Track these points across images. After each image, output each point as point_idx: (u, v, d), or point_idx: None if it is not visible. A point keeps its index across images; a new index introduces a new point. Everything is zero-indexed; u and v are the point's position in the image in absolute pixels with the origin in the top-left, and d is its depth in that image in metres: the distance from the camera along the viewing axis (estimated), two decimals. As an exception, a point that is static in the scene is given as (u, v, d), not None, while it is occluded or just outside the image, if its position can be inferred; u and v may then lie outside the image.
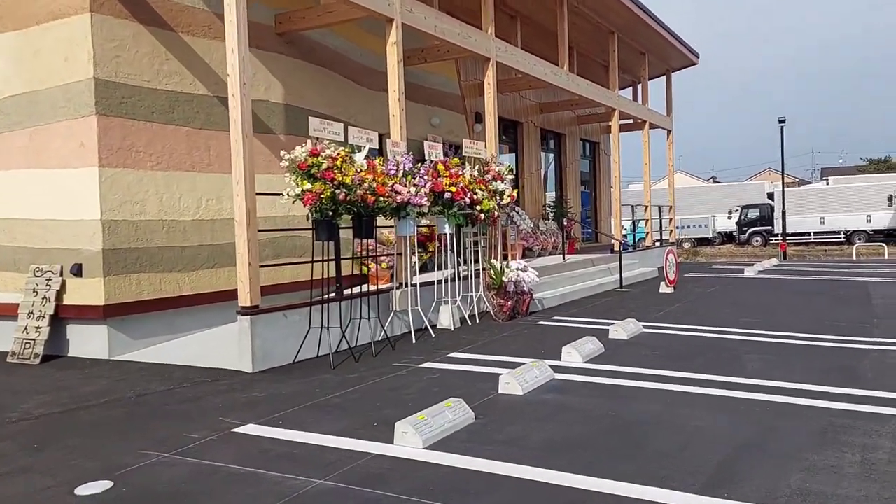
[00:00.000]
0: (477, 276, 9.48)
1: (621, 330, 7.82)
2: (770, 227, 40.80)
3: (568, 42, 15.89)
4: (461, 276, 9.42)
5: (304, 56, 9.61)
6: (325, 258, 6.78)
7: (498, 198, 9.48)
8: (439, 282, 8.75)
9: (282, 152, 6.57)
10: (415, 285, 8.14)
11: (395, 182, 7.61)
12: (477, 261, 9.74)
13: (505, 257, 13.96)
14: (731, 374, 5.96)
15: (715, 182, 68.96)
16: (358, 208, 6.92)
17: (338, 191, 6.49)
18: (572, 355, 6.60)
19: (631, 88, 20.65)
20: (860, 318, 8.87)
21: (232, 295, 7.13)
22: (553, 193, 18.56)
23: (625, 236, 19.70)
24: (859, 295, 11.31)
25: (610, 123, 19.76)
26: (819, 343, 7.33)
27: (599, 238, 20.12)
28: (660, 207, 19.29)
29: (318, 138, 6.68)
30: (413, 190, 7.67)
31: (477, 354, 7.00)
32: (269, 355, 6.49)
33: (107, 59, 7.19)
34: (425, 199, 7.76)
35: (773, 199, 40.95)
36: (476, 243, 9.68)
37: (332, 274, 7.22)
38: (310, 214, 6.54)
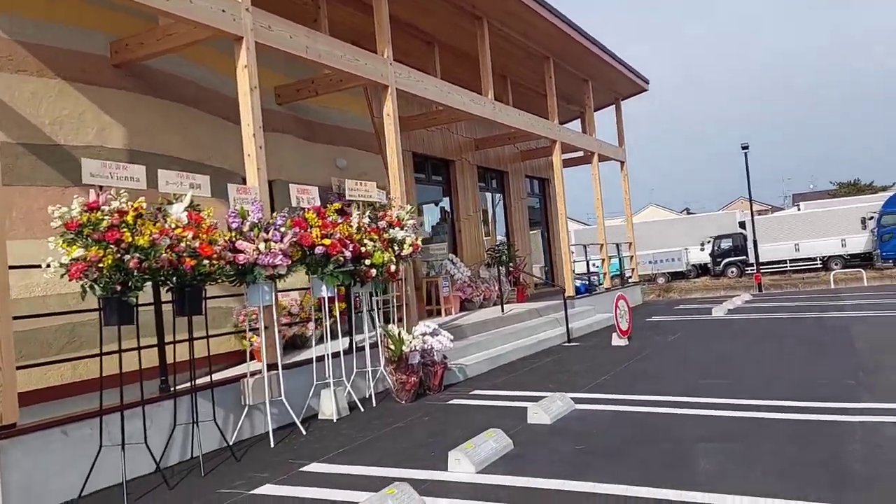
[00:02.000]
0: (375, 346, 7.72)
1: (543, 412, 6.07)
2: (744, 257, 39.53)
3: (501, 70, 14.55)
4: (356, 347, 7.68)
5: (154, 92, 7.96)
6: (122, 347, 4.98)
7: (397, 248, 7.78)
8: (319, 359, 6.97)
9: (49, 208, 4.84)
10: (275, 369, 6.34)
11: (237, 238, 5.90)
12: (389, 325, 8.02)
13: (438, 312, 12.27)
14: (674, 485, 4.23)
15: (689, 214, 68.01)
16: (171, 276, 5.18)
17: (128, 256, 4.75)
18: (461, 463, 4.82)
19: (579, 120, 19.30)
20: (843, 373, 7.21)
21: (30, 398, 5.34)
22: (504, 237, 16.97)
23: (583, 275, 18.09)
24: (840, 338, 9.68)
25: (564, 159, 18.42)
26: (794, 416, 5.63)
27: (559, 282, 18.46)
28: (618, 245, 17.74)
29: (101, 187, 4.96)
30: (263, 247, 5.95)
31: (341, 466, 5.20)
32: (37, 495, 4.65)
33: None
34: (281, 257, 6.04)
35: (745, 228, 39.83)
36: (381, 304, 7.95)
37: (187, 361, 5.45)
38: (84, 292, 4.77)
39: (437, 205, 14.81)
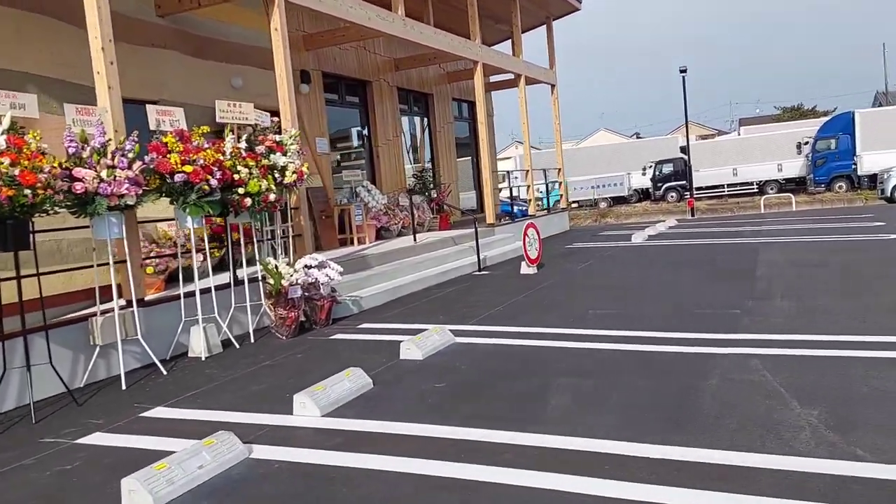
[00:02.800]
0: (258, 280, 7.33)
1: (416, 348, 5.82)
2: (685, 182, 39.81)
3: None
4: (238, 281, 7.28)
5: (8, 2, 7.14)
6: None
7: (278, 175, 7.31)
8: (188, 294, 6.57)
9: None
10: (137, 306, 5.91)
11: (75, 165, 5.35)
12: (282, 258, 7.63)
13: (353, 241, 11.88)
14: (522, 427, 4.03)
15: (638, 138, 68.01)
16: (-15, 210, 4.65)
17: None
18: (307, 407, 4.55)
19: (510, 41, 18.58)
20: (733, 300, 7.14)
21: None
22: (430, 163, 16.49)
23: (514, 201, 17.91)
24: (745, 263, 9.67)
25: (489, 80, 17.87)
26: (667, 348, 5.50)
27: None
28: (545, 171, 17.44)
29: None
30: (106, 174, 5.42)
31: (186, 410, 4.88)
32: None
33: None
34: (127, 185, 5.51)
35: (686, 153, 39.98)
36: (279, 234, 7.53)
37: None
38: None
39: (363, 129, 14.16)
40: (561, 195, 18.96)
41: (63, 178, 5.26)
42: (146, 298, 6.47)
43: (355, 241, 11.83)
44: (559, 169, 18.45)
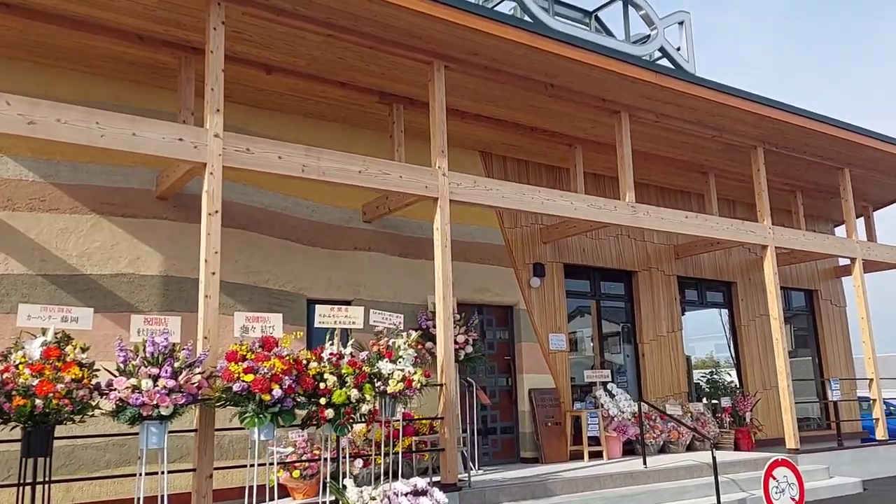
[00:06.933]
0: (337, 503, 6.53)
1: None
2: None
3: (700, 167, 12.31)
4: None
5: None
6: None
7: (379, 383, 6.64)
8: (250, 513, 6.11)
9: None
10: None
11: (120, 374, 5.57)
12: (376, 479, 6.86)
13: (593, 454, 10.17)
14: None
15: None
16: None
17: (-71, 394, 4.75)
18: None
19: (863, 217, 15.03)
20: None
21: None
22: (734, 363, 13.76)
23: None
24: None
25: (835, 266, 15.01)
26: None
27: (838, 426, 13.57)
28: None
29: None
30: (146, 384, 5.50)
31: None
32: None
33: None
34: (159, 395, 5.48)
35: None
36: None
37: None
38: None
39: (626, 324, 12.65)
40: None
41: (107, 387, 5.51)
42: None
43: (585, 455, 10.13)
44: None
